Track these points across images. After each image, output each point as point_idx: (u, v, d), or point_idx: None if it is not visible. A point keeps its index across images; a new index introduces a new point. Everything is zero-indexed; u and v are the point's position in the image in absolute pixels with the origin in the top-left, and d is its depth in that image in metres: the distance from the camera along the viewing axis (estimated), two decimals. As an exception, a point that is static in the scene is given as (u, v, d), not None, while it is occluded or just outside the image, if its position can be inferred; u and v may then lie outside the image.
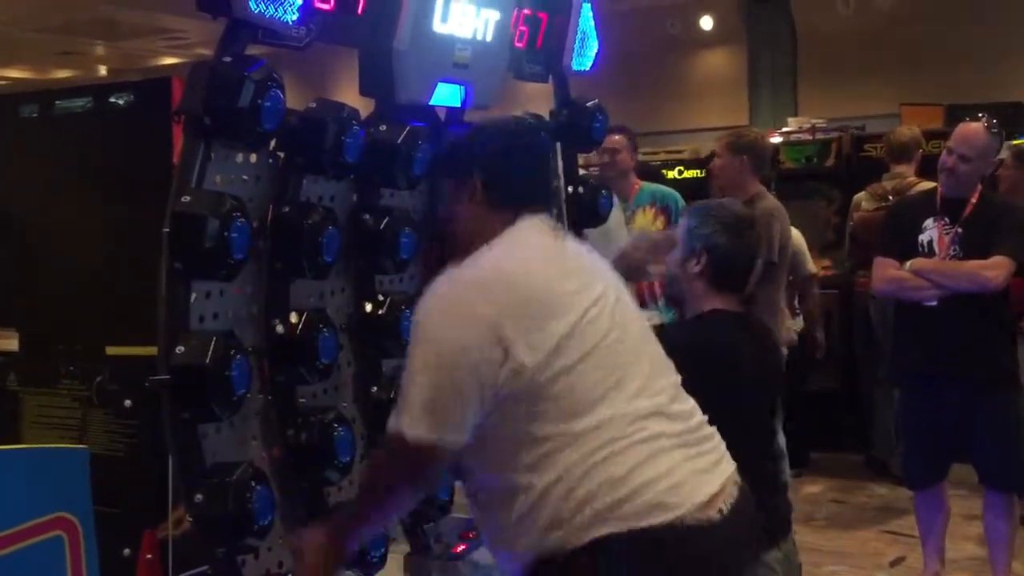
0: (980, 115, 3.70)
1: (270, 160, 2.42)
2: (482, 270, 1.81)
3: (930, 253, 3.62)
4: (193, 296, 2.19)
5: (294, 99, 2.37)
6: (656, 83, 10.36)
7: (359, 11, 2.49)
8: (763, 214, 4.11)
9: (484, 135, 2.01)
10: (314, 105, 2.47)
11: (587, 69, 3.30)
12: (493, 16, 2.85)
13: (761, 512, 2.30)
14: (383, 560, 2.59)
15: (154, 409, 2.27)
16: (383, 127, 2.62)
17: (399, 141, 2.60)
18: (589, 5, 3.29)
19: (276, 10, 2.18)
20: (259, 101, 2.17)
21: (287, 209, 2.41)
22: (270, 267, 2.41)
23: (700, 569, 1.71)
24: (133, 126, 2.75)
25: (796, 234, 4.80)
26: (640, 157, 4.92)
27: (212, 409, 2.13)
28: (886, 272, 3.68)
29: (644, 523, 1.64)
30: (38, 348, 2.86)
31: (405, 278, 2.81)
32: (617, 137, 4.37)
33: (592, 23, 3.30)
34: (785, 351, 4.14)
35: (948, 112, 6.29)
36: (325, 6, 2.37)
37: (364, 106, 2.68)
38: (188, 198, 2.12)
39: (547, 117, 3.32)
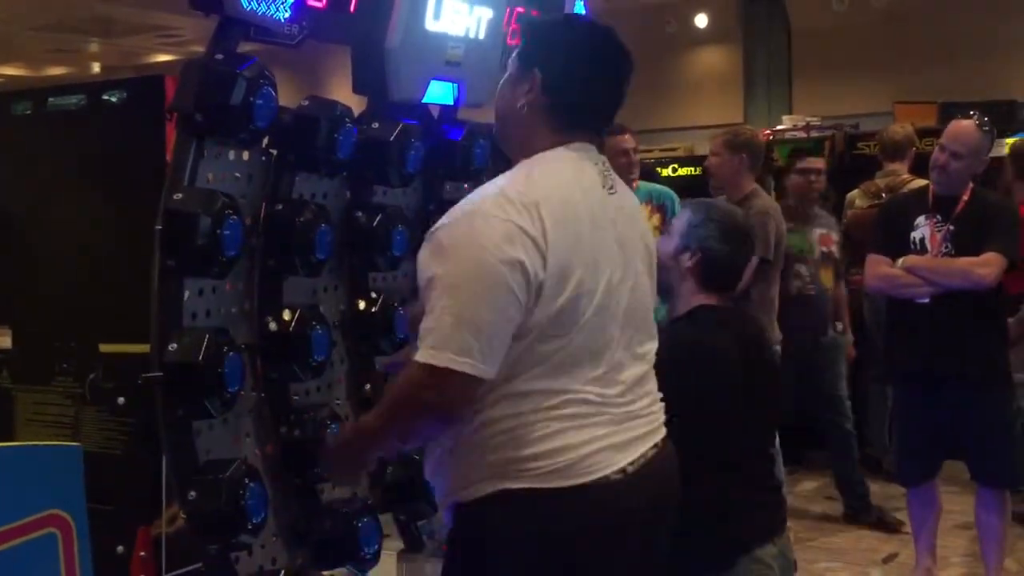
0: (972, 113, 3.71)
1: (263, 158, 2.42)
2: (523, 188, 1.67)
3: (922, 250, 3.63)
4: (186, 293, 2.20)
5: (286, 96, 2.37)
6: (651, 81, 10.36)
7: (352, 9, 2.50)
8: (759, 212, 4.13)
9: (559, 26, 1.83)
10: (307, 103, 2.48)
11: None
12: (485, 14, 2.85)
13: (759, 511, 2.32)
14: (377, 557, 2.59)
15: (147, 406, 2.28)
16: (376, 125, 2.63)
17: (392, 139, 2.61)
18: (582, 3, 3.30)
19: (268, 8, 2.19)
20: (251, 99, 2.17)
21: (280, 206, 2.42)
22: (263, 264, 2.42)
23: (592, 535, 1.68)
24: (126, 124, 2.74)
25: None
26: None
27: (205, 406, 2.14)
28: (878, 269, 3.69)
29: (544, 484, 1.65)
30: (31, 345, 2.86)
31: (398, 275, 2.82)
32: (628, 136, 4.40)
33: (585, 21, 3.30)
34: (777, 349, 4.15)
35: (941, 110, 6.29)
36: (317, 4, 2.37)
37: (356, 104, 2.68)
38: (180, 195, 2.13)
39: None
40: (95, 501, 2.29)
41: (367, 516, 2.55)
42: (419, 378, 1.64)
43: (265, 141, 2.39)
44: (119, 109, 2.76)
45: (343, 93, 2.76)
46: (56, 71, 13.53)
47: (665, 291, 2.36)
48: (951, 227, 3.60)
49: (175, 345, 2.12)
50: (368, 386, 2.73)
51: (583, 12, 3.28)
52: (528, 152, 1.76)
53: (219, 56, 2.17)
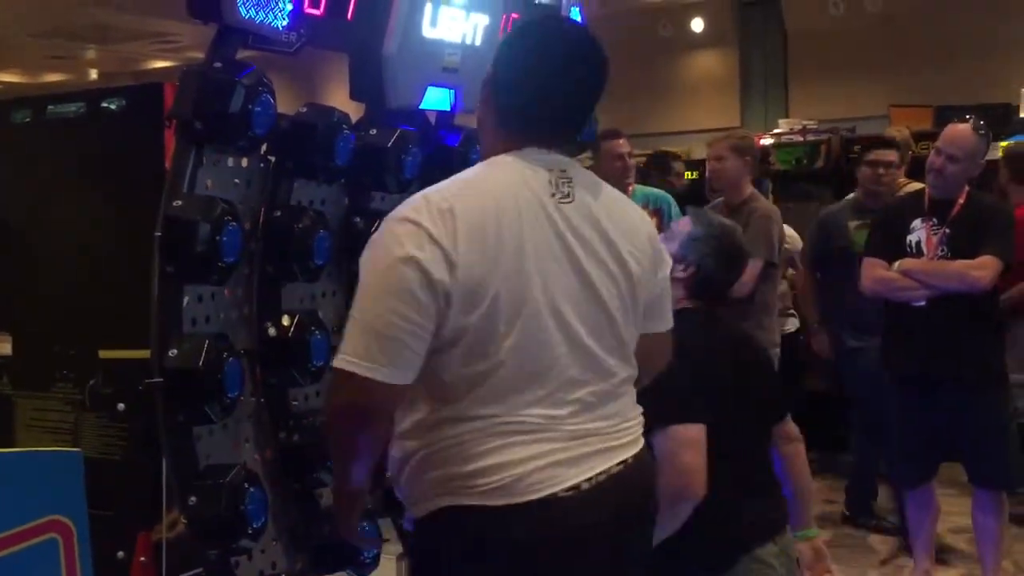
0: (968, 117, 3.73)
1: (261, 164, 2.44)
2: (446, 194, 1.63)
3: (918, 254, 3.65)
4: (185, 299, 2.21)
5: (283, 103, 2.38)
6: (647, 85, 10.40)
7: (349, 16, 2.51)
8: (762, 216, 4.15)
9: (520, 29, 1.77)
10: (305, 110, 2.49)
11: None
12: (482, 21, 2.87)
13: (758, 510, 2.33)
14: (376, 561, 2.60)
15: (147, 412, 2.29)
16: (373, 131, 2.64)
17: (389, 145, 2.63)
18: (578, 8, 3.31)
19: (266, 16, 2.20)
20: (250, 106, 2.19)
21: (278, 213, 2.43)
22: (262, 270, 2.43)
23: (543, 552, 1.64)
24: (125, 131, 2.75)
25: (791, 233, 4.84)
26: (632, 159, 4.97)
27: (205, 411, 2.15)
28: (875, 272, 3.71)
29: (488, 502, 1.62)
30: (31, 352, 2.87)
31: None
32: (622, 140, 4.43)
33: (581, 26, 3.32)
34: (776, 351, 4.17)
35: (937, 113, 6.33)
36: (315, 11, 2.39)
37: (353, 110, 2.70)
38: (180, 202, 2.14)
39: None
40: (95, 507, 2.29)
41: (366, 521, 2.56)
42: (332, 384, 1.68)
43: (263, 148, 2.41)
44: (118, 116, 2.77)
45: (339, 99, 2.78)
46: (53, 77, 13.54)
47: None
48: (947, 230, 3.62)
49: (175, 351, 2.13)
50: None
51: (578, 17, 3.30)
52: (487, 158, 1.74)
53: (218, 64, 2.18)
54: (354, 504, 1.84)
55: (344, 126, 2.49)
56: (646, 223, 1.85)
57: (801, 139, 6.63)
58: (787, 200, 5.71)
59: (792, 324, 5.12)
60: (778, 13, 10.55)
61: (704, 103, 10.92)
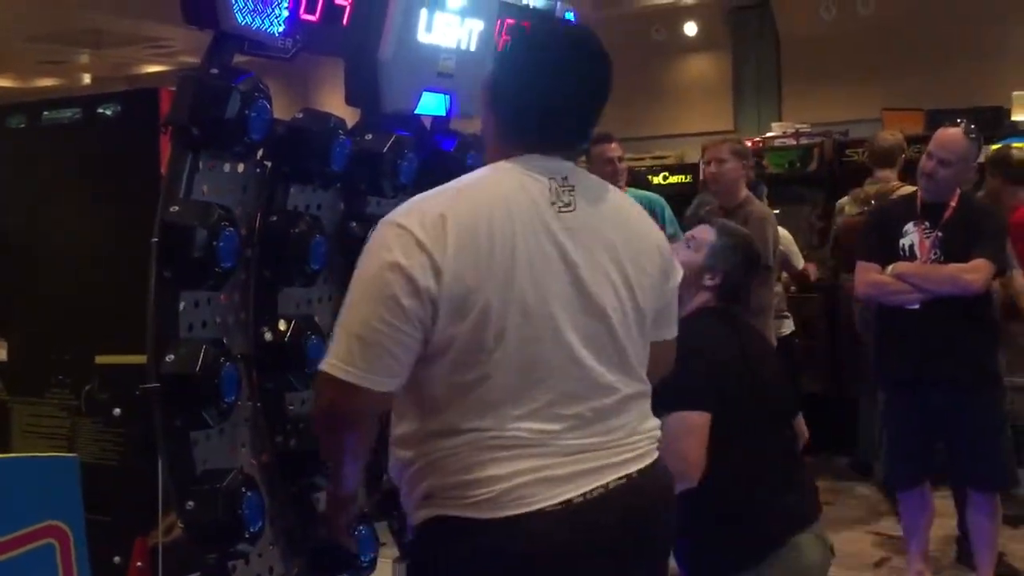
0: (959, 120, 3.76)
1: (257, 170, 2.45)
2: (437, 200, 1.62)
3: (911, 257, 3.67)
4: (182, 305, 2.21)
5: (278, 109, 2.39)
6: (641, 89, 10.42)
7: (344, 22, 2.52)
8: (759, 218, 4.18)
9: (512, 40, 1.77)
10: (301, 115, 2.50)
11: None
12: (477, 26, 2.88)
13: (785, 503, 2.35)
14: (373, 565, 2.61)
15: (143, 417, 2.29)
16: (369, 136, 2.65)
17: (385, 150, 2.64)
18: (572, 13, 3.33)
19: (263, 22, 2.21)
20: (246, 112, 2.19)
21: (275, 218, 2.44)
22: (258, 275, 2.44)
23: (532, 566, 1.62)
24: (121, 136, 2.76)
25: (785, 234, 4.86)
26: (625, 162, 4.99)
27: (203, 416, 2.16)
28: (868, 276, 3.73)
29: (475, 514, 1.61)
30: (27, 357, 2.87)
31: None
32: (613, 145, 4.45)
33: (575, 31, 3.34)
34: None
35: (929, 117, 6.36)
36: (311, 17, 2.40)
37: (348, 115, 2.70)
38: (177, 208, 2.15)
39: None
40: (91, 512, 2.29)
41: (363, 524, 2.57)
42: (317, 388, 1.70)
43: (259, 153, 2.41)
44: (114, 122, 2.77)
45: (333, 105, 2.79)
46: (46, 82, 13.53)
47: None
48: (939, 234, 3.64)
49: (172, 356, 2.13)
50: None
51: (572, 21, 3.31)
52: (489, 164, 1.73)
53: (214, 70, 2.19)
54: (341, 507, 1.88)
55: (340, 131, 2.50)
56: (654, 231, 1.82)
57: (794, 142, 6.66)
58: (780, 203, 5.73)
59: (788, 326, 5.14)
60: (770, 17, 10.58)
61: (697, 107, 10.95)
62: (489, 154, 1.76)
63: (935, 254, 3.63)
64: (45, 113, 2.88)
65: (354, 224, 2.67)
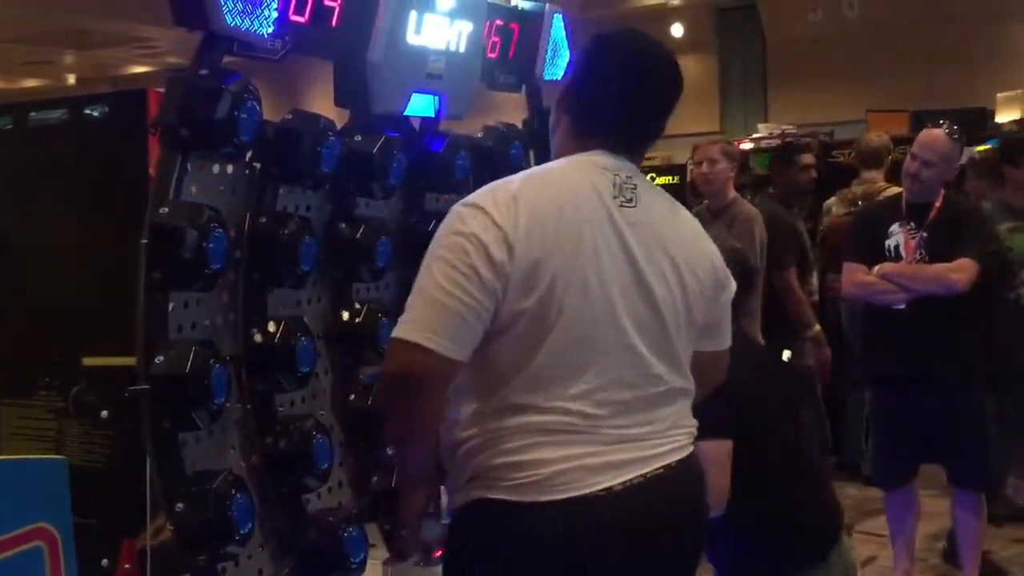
0: (941, 122, 3.79)
1: (246, 171, 2.44)
2: (511, 185, 1.69)
3: (897, 258, 3.70)
4: (171, 306, 2.21)
5: (265, 110, 2.39)
6: (628, 90, 10.42)
7: (333, 23, 2.52)
8: (747, 219, 4.20)
9: (588, 43, 1.84)
10: (290, 116, 2.50)
11: (559, 79, 3.35)
12: (466, 27, 2.88)
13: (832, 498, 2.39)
14: (363, 566, 2.60)
15: (131, 419, 2.28)
16: (358, 137, 2.65)
17: (374, 151, 2.64)
18: (560, 15, 3.34)
19: (252, 23, 2.21)
20: (236, 113, 2.19)
21: (264, 219, 2.43)
22: (247, 277, 2.43)
23: (568, 552, 1.65)
24: (108, 138, 2.75)
25: None
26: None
27: (192, 418, 2.15)
28: (855, 277, 3.75)
29: (515, 497, 1.65)
30: (14, 359, 2.85)
31: (381, 286, 2.84)
32: None
33: (564, 33, 3.35)
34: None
35: (914, 118, 6.40)
36: (300, 19, 2.40)
37: (336, 116, 2.70)
38: (166, 209, 2.15)
39: (520, 126, 3.36)
40: (79, 514, 2.29)
41: (353, 526, 2.56)
42: (388, 354, 1.70)
43: (249, 154, 2.41)
44: (101, 123, 2.76)
45: (320, 106, 2.79)
46: (32, 83, 13.46)
47: None
48: (924, 234, 3.67)
49: (162, 358, 2.13)
50: (352, 396, 2.75)
51: (561, 26, 3.32)
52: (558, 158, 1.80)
53: (203, 71, 2.19)
54: (415, 490, 1.81)
55: (329, 133, 2.50)
56: (708, 243, 1.88)
57: (780, 143, 6.68)
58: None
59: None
60: (757, 19, 10.64)
61: (684, 108, 10.87)
62: (558, 148, 1.82)
63: (920, 254, 3.65)
64: (32, 114, 2.87)
65: (343, 225, 2.67)
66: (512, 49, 3.19)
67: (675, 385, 1.78)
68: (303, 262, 2.42)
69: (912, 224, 3.70)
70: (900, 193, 3.87)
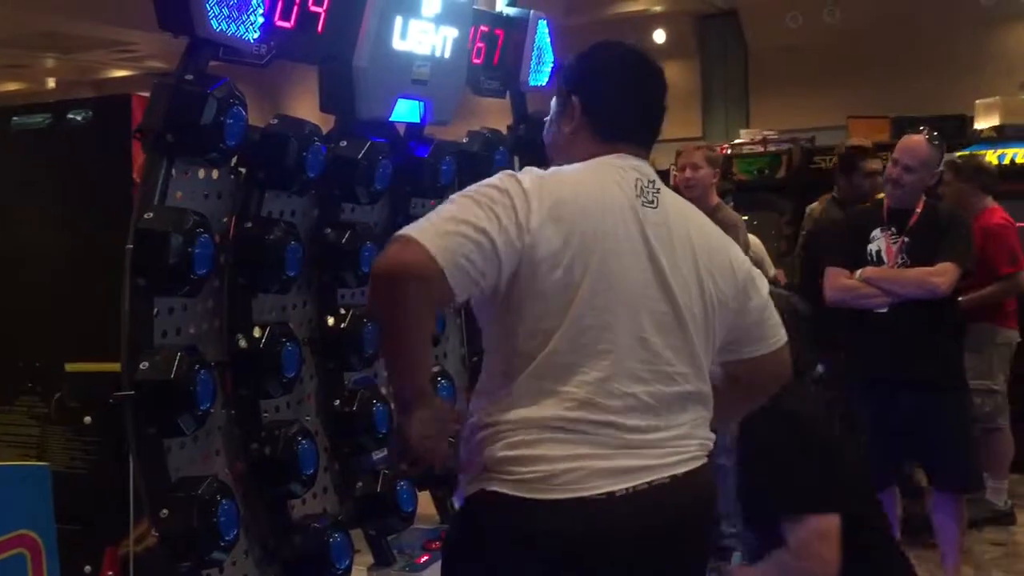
0: (921, 128, 3.82)
1: (232, 176, 2.44)
2: (537, 174, 1.70)
3: (879, 262, 3.72)
4: (156, 311, 2.20)
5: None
6: (610, 96, 10.44)
7: (319, 29, 2.52)
8: (732, 226, 4.21)
9: (591, 53, 1.88)
10: (276, 121, 2.50)
11: (544, 84, 3.36)
12: (451, 33, 2.89)
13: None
14: (348, 572, 2.60)
15: (114, 425, 2.27)
16: (344, 143, 2.65)
17: (360, 156, 2.64)
18: (545, 22, 3.35)
19: (238, 29, 2.21)
20: (222, 118, 2.19)
21: (249, 224, 2.43)
22: (232, 282, 2.43)
23: (565, 552, 1.64)
24: (92, 143, 2.74)
25: (755, 240, 4.90)
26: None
27: (177, 424, 2.15)
28: (838, 281, 3.77)
29: (519, 492, 1.64)
30: (-4, 365, 2.83)
31: (367, 291, 2.84)
32: None
33: (548, 40, 3.36)
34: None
35: (894, 124, 6.44)
36: (286, 24, 2.40)
37: (319, 121, 2.70)
38: (151, 215, 2.14)
39: (505, 132, 3.37)
40: (61, 521, 2.27)
41: (338, 532, 2.56)
42: (385, 248, 1.66)
43: (234, 160, 2.41)
44: (84, 128, 2.75)
45: (302, 111, 2.79)
46: (11, 87, 13.35)
47: None
48: (906, 239, 3.69)
49: (147, 363, 2.12)
50: (338, 402, 2.74)
51: (546, 32, 3.33)
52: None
53: (189, 76, 2.18)
54: (417, 402, 1.69)
55: (315, 138, 2.50)
56: (731, 248, 1.87)
57: (762, 149, 6.72)
58: (749, 210, 5.78)
59: None
60: (738, 26, 10.69)
61: (666, 114, 11.02)
62: (572, 160, 1.81)
63: (902, 259, 3.68)
64: (14, 119, 2.85)
65: (329, 230, 2.67)
66: (497, 55, 3.20)
67: (691, 387, 1.75)
68: (288, 267, 2.42)
69: (893, 229, 3.73)
70: (881, 199, 3.90)
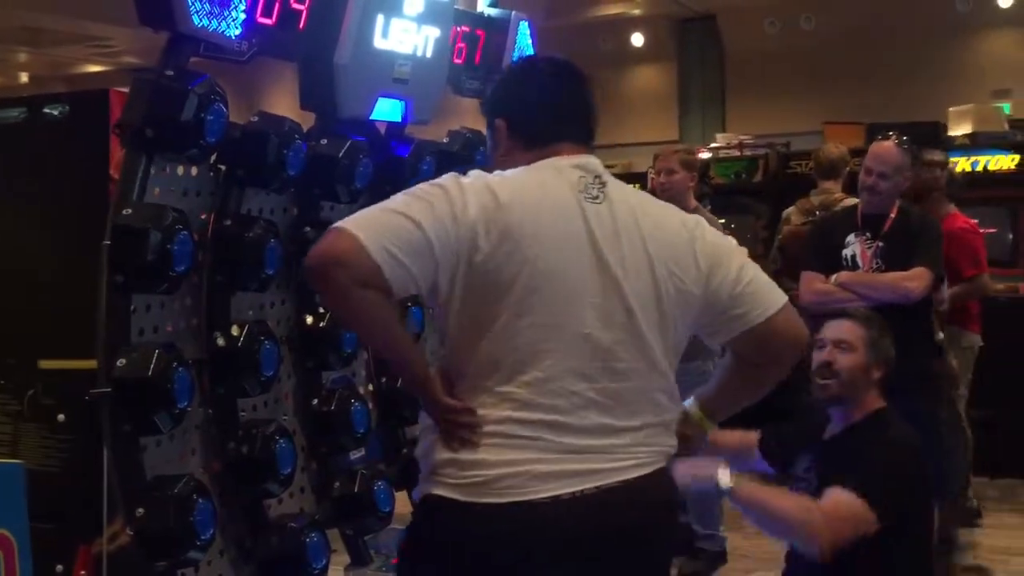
0: (890, 133, 3.87)
1: (211, 173, 2.43)
2: (483, 174, 1.70)
3: (854, 267, 3.76)
4: (134, 308, 2.19)
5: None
6: (588, 98, 10.47)
7: (301, 26, 2.51)
8: None
9: (506, 74, 1.89)
10: (256, 119, 2.48)
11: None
12: (433, 33, 2.89)
13: None
14: (325, 572, 2.59)
15: (88, 423, 2.25)
16: (324, 141, 2.65)
17: (340, 155, 2.63)
18: (527, 23, 3.36)
19: (219, 25, 2.19)
20: (202, 114, 2.18)
21: (228, 222, 2.42)
22: (211, 279, 2.41)
23: (503, 557, 1.62)
24: (68, 137, 2.71)
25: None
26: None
27: (154, 422, 2.13)
28: (813, 285, 3.81)
29: (458, 496, 1.62)
30: (-32, 362, 2.80)
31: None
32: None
33: (529, 40, 3.37)
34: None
35: (869, 130, 6.50)
36: (267, 21, 2.39)
37: (298, 119, 2.68)
38: (130, 211, 2.12)
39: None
40: (34, 519, 2.25)
41: (314, 531, 2.55)
42: (323, 237, 1.65)
43: (214, 157, 2.39)
44: (61, 123, 2.72)
45: (279, 109, 2.77)
46: (-17, 81, 13.18)
47: (838, 401, 2.52)
48: (880, 244, 3.74)
49: (124, 360, 2.11)
50: (316, 401, 2.73)
51: (527, 34, 3.34)
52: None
53: (170, 72, 2.17)
54: (414, 378, 1.72)
55: (296, 136, 2.49)
56: (686, 229, 1.81)
57: (739, 154, 6.76)
58: (726, 214, 5.81)
59: None
60: (716, 30, 10.74)
61: (643, 117, 11.05)
62: (510, 167, 1.80)
63: (876, 263, 3.72)
64: (-10, 112, 2.82)
65: (308, 229, 2.66)
66: (478, 55, 3.20)
67: (642, 383, 1.71)
68: (267, 265, 2.41)
69: (868, 234, 3.77)
70: (856, 204, 3.94)
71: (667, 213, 1.83)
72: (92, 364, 2.25)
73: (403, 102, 2.88)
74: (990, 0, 9.41)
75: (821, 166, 5.34)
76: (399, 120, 2.93)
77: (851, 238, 3.81)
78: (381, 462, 2.93)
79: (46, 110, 2.77)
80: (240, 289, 2.44)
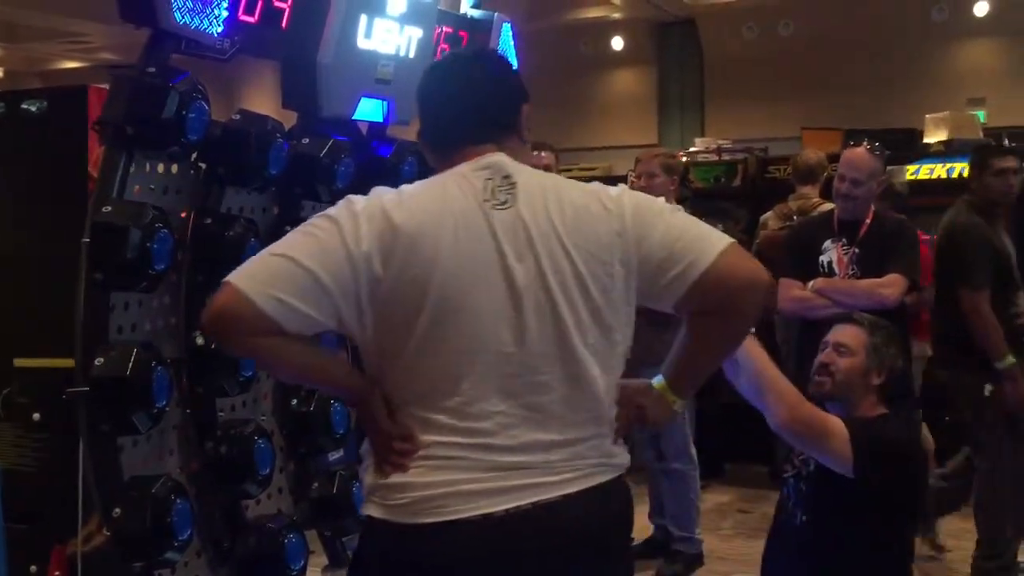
0: (864, 140, 3.90)
1: (191, 171, 2.41)
2: (370, 197, 1.63)
3: (830, 273, 3.79)
4: (112, 306, 2.17)
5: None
6: (568, 101, 10.52)
7: (283, 25, 2.50)
8: None
9: (421, 79, 1.81)
10: (238, 117, 2.47)
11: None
12: (416, 33, 2.89)
13: None
14: (303, 573, 2.58)
15: (64, 422, 2.23)
16: (306, 140, 2.64)
17: (322, 154, 2.62)
18: (509, 25, 3.36)
19: (201, 22, 2.18)
20: (184, 112, 2.16)
21: (209, 220, 2.40)
22: (190, 278, 2.40)
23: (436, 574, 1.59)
24: (46, 134, 2.68)
25: None
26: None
27: (132, 421, 2.11)
28: (790, 292, 3.83)
29: (391, 517, 1.60)
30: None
31: None
32: (545, 154, 4.45)
33: (512, 42, 3.37)
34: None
35: (846, 136, 6.54)
36: (250, 19, 2.38)
37: (279, 118, 2.67)
38: (109, 208, 2.11)
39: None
40: (8, 519, 2.23)
41: (292, 532, 2.54)
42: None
43: (194, 155, 2.38)
44: (39, 119, 2.70)
45: (259, 108, 2.76)
46: (-44, 75, 13.03)
47: (839, 401, 2.54)
48: (856, 250, 3.77)
49: (102, 359, 2.09)
50: (295, 401, 2.72)
51: (509, 35, 3.34)
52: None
53: (151, 69, 2.15)
54: (360, 399, 1.68)
55: (278, 134, 2.48)
56: (609, 207, 1.70)
57: (717, 158, 6.79)
58: (704, 218, 5.83)
59: None
60: (695, 34, 10.81)
61: (623, 120, 11.10)
62: (433, 163, 1.78)
63: (853, 270, 3.75)
64: (-34, 107, 2.78)
65: (288, 228, 2.64)
66: (461, 56, 3.20)
67: (571, 393, 1.64)
68: (248, 265, 2.39)
69: (844, 240, 3.80)
70: (832, 210, 3.97)
71: (588, 198, 1.72)
72: (68, 363, 2.23)
73: (385, 102, 2.87)
74: (966, 9, 9.53)
75: (799, 171, 5.37)
76: (381, 120, 2.92)
77: (828, 244, 3.83)
78: (359, 463, 2.92)
79: (24, 106, 2.74)
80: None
